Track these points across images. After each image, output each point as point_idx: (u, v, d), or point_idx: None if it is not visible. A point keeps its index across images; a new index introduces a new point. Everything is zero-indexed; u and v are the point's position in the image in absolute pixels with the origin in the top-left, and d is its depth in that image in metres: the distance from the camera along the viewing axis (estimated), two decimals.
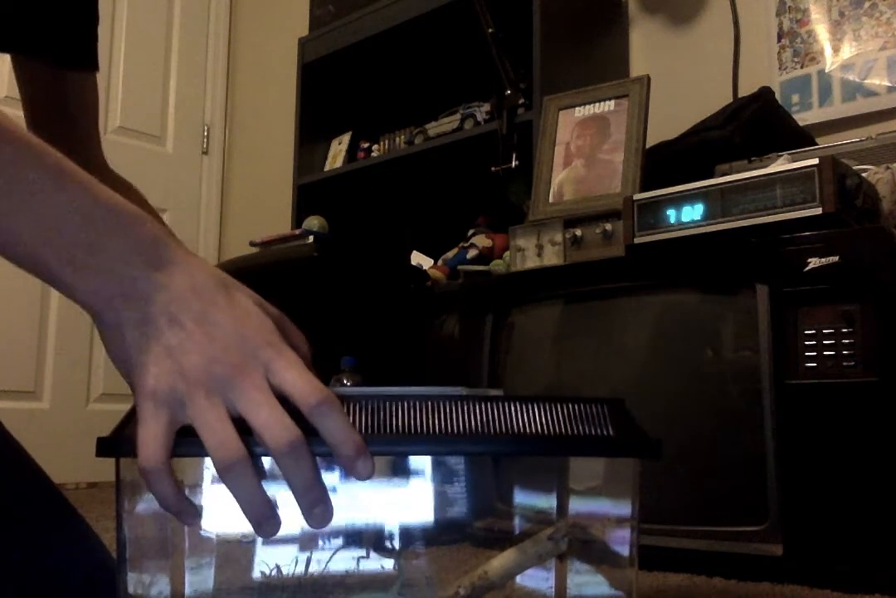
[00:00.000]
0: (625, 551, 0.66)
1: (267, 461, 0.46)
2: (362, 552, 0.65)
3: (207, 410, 0.43)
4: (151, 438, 0.44)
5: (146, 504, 0.52)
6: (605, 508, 0.67)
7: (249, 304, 0.46)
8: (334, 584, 0.63)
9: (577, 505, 0.68)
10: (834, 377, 1.10)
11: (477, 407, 0.55)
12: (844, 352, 1.10)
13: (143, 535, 0.54)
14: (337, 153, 2.62)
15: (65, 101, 0.85)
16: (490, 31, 1.99)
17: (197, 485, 0.54)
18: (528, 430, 0.55)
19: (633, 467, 0.65)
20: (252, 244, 2.18)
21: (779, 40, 1.94)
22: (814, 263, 1.13)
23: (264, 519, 0.45)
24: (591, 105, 1.63)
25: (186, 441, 0.47)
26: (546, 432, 0.56)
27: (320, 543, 0.64)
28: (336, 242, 2.09)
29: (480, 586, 0.62)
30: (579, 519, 0.69)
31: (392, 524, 0.67)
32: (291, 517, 0.52)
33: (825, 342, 1.12)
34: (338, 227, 2.42)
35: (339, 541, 0.64)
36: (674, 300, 1.30)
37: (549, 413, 0.57)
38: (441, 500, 0.67)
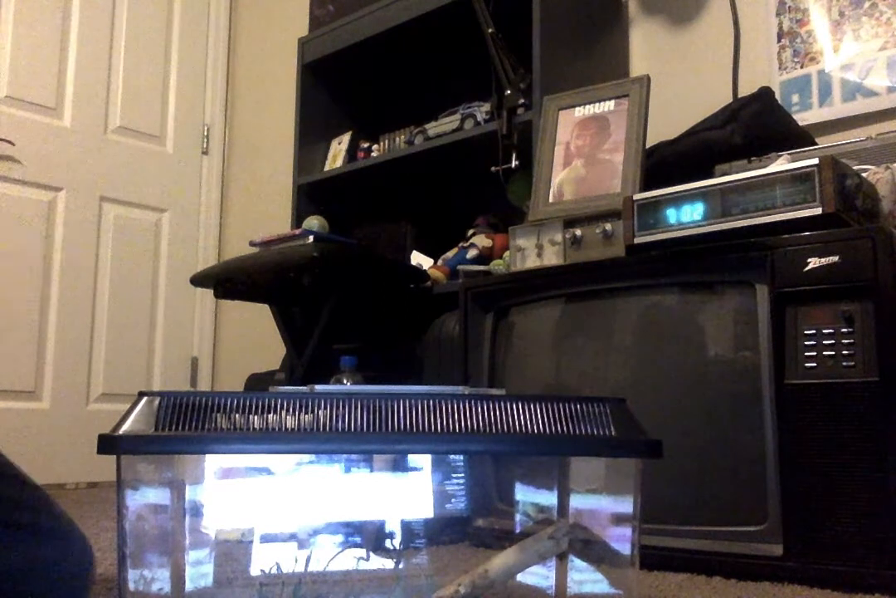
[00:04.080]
0: (625, 550, 0.66)
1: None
2: (363, 553, 0.65)
3: None
4: None
5: (147, 502, 0.52)
6: (607, 507, 0.67)
7: None
8: (335, 582, 0.63)
9: (578, 504, 0.69)
10: (834, 377, 1.10)
11: (479, 406, 0.55)
12: (844, 352, 1.10)
13: (144, 532, 0.54)
14: (337, 153, 2.62)
15: None
16: (490, 31, 1.99)
17: (197, 483, 0.54)
18: (529, 429, 0.56)
19: (635, 466, 0.65)
20: (252, 244, 2.18)
21: (779, 40, 1.95)
22: (814, 263, 1.13)
23: None
24: (591, 105, 1.63)
25: (186, 439, 0.47)
26: (548, 431, 0.56)
27: (320, 542, 0.64)
28: (336, 242, 2.09)
29: (481, 584, 0.62)
30: (580, 518, 0.69)
31: (392, 524, 0.67)
32: (291, 517, 0.52)
33: (825, 342, 1.12)
34: (338, 227, 2.42)
35: (339, 538, 0.64)
36: (673, 300, 1.30)
37: (551, 413, 0.57)
38: (442, 498, 0.67)
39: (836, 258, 1.11)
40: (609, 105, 1.61)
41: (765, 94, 1.67)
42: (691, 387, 1.25)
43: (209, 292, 2.38)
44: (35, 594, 0.66)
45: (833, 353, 1.11)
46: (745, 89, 1.87)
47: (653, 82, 1.60)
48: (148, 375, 3.10)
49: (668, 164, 1.65)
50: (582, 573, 0.68)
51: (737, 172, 1.30)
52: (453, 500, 0.67)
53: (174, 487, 0.59)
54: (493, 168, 1.97)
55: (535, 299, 1.48)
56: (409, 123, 2.47)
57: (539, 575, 0.68)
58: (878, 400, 1.06)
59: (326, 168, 2.62)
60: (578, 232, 1.50)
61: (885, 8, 1.79)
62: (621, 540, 0.66)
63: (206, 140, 3.34)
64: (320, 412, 0.58)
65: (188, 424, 0.55)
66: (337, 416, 0.57)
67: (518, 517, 0.72)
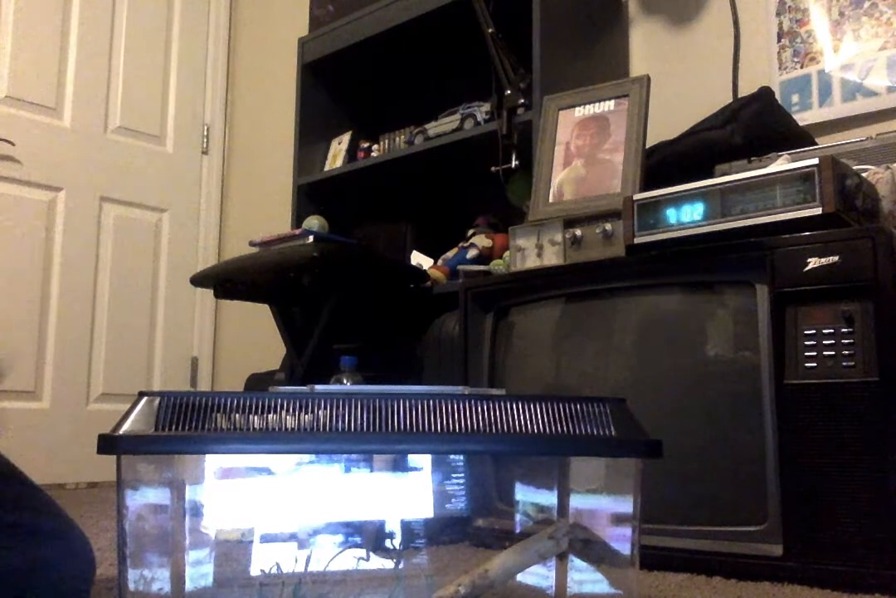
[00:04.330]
0: (625, 550, 0.66)
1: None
2: (363, 553, 0.65)
3: None
4: None
5: (147, 502, 0.52)
6: (607, 507, 0.67)
7: None
8: (335, 582, 0.63)
9: (578, 504, 0.69)
10: (834, 377, 1.10)
11: (479, 406, 0.55)
12: (844, 352, 1.10)
13: (144, 532, 0.54)
14: (337, 153, 2.62)
15: None
16: (490, 31, 1.99)
17: (197, 483, 0.54)
18: (529, 429, 0.56)
19: (635, 466, 0.65)
20: (252, 244, 2.18)
21: (779, 40, 1.95)
22: (814, 263, 1.13)
23: None
24: (591, 105, 1.63)
25: (186, 439, 0.47)
26: (548, 431, 0.56)
27: (320, 542, 0.64)
28: (336, 242, 2.09)
29: (481, 584, 0.62)
30: (580, 518, 0.69)
31: (392, 524, 0.67)
32: (291, 517, 0.52)
33: (825, 342, 1.12)
34: (338, 227, 2.42)
35: (339, 538, 0.64)
36: (673, 300, 1.30)
37: (551, 413, 0.57)
38: (442, 498, 0.67)
39: (836, 258, 1.11)
40: (609, 105, 1.61)
41: (765, 94, 1.67)
42: (691, 387, 1.25)
43: (209, 292, 2.38)
44: (36, 595, 0.66)
45: (833, 353, 1.11)
46: (745, 89, 1.87)
47: (653, 82, 1.59)
48: (148, 375, 3.10)
49: (668, 164, 1.65)
50: (582, 573, 0.68)
51: (737, 172, 1.30)
52: (453, 500, 0.67)
53: (174, 487, 0.59)
54: (493, 168, 1.96)
55: (535, 298, 1.48)
56: (409, 123, 2.47)
57: (539, 575, 0.68)
58: (878, 400, 1.06)
59: (326, 168, 2.62)
60: (578, 232, 1.50)
61: (885, 8, 1.79)
62: (621, 540, 0.66)
63: (206, 140, 3.34)
64: (320, 412, 0.58)
65: (188, 424, 0.55)
66: (337, 416, 0.57)
67: (518, 517, 0.72)
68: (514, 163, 1.93)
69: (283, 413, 0.59)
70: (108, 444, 0.52)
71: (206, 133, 3.34)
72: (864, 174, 1.26)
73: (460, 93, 2.31)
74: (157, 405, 0.57)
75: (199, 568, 0.57)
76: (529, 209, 1.64)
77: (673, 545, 1.19)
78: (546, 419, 0.57)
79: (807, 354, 1.13)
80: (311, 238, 2.02)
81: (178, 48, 3.29)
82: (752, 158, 1.50)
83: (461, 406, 0.55)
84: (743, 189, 1.24)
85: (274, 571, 0.61)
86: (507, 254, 1.96)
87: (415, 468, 0.65)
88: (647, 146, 1.59)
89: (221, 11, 3.43)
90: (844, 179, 1.17)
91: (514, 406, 0.56)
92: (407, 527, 0.66)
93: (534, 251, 1.55)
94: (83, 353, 2.91)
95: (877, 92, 1.78)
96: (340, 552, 0.63)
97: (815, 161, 1.17)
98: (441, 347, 1.88)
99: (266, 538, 0.62)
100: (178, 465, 0.55)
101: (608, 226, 1.46)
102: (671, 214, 1.31)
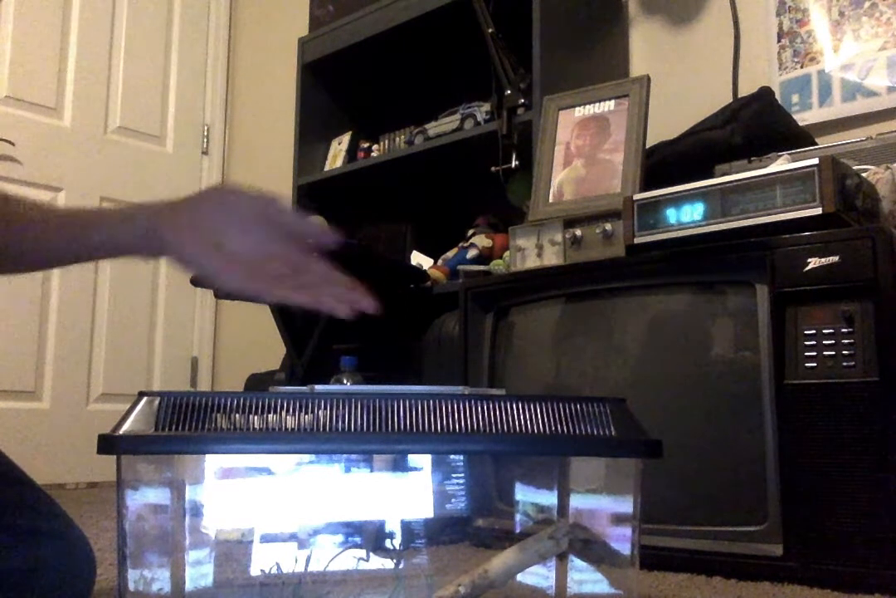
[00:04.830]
0: (625, 550, 0.66)
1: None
2: (363, 553, 0.65)
3: None
4: None
5: (147, 502, 0.52)
6: (607, 507, 0.67)
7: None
8: (335, 582, 0.63)
9: (578, 504, 0.69)
10: (834, 377, 1.10)
11: (479, 406, 0.55)
12: (844, 352, 1.10)
13: (144, 532, 0.54)
14: (337, 153, 2.62)
15: None
16: (490, 31, 1.99)
17: (197, 483, 0.54)
18: (529, 429, 0.56)
19: (635, 466, 0.65)
20: None
21: (779, 40, 1.95)
22: (814, 263, 1.13)
23: None
24: (591, 105, 1.63)
25: (186, 439, 0.47)
26: (548, 431, 0.56)
27: (320, 542, 0.64)
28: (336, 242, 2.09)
29: (481, 584, 0.62)
30: (580, 518, 0.69)
31: (392, 524, 0.67)
32: (291, 517, 0.52)
33: (825, 342, 1.12)
34: (338, 227, 2.41)
35: (339, 538, 0.64)
36: (674, 300, 1.30)
37: (551, 413, 0.57)
38: (442, 498, 0.67)
39: (836, 258, 1.11)
40: (609, 105, 1.61)
41: (765, 94, 1.67)
42: (691, 387, 1.25)
43: (209, 292, 2.38)
44: (36, 595, 0.66)
45: (833, 353, 1.11)
46: (745, 89, 1.86)
47: (653, 82, 1.59)
48: (148, 375, 3.10)
49: (668, 164, 1.65)
50: (582, 573, 0.68)
51: (737, 172, 1.30)
52: (453, 500, 0.67)
53: (174, 487, 0.59)
54: (493, 168, 1.96)
55: (535, 298, 1.48)
56: (409, 123, 2.47)
57: (539, 575, 0.68)
58: (878, 400, 1.06)
59: (326, 168, 2.62)
60: (578, 232, 1.50)
61: (885, 8, 1.79)
62: (621, 540, 0.66)
63: (206, 140, 3.34)
64: (320, 412, 0.58)
65: (188, 424, 0.56)
66: (337, 416, 0.58)
67: (518, 517, 0.72)
68: (514, 163, 1.93)
69: (283, 413, 0.59)
70: (108, 444, 0.52)
71: (206, 133, 3.34)
72: (864, 174, 1.26)
73: (460, 93, 2.31)
74: (157, 405, 0.57)
75: (199, 568, 0.57)
76: (529, 209, 1.64)
77: (673, 545, 1.19)
78: (546, 419, 0.57)
79: (807, 354, 1.13)
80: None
81: (178, 48, 3.29)
82: (752, 158, 1.50)
83: (461, 406, 0.55)
84: (743, 189, 1.24)
85: (274, 571, 0.61)
86: (507, 254, 1.96)
87: (415, 468, 0.65)
88: (647, 146, 1.59)
89: (221, 11, 3.43)
90: (844, 179, 1.17)
91: (514, 406, 0.56)
92: (407, 527, 0.66)
93: (534, 251, 1.55)
94: (83, 353, 2.91)
95: (877, 92, 1.78)
96: (340, 552, 0.64)
97: (815, 161, 1.17)
98: (441, 347, 1.88)
99: (266, 538, 0.62)
100: (178, 465, 0.55)
101: (608, 226, 1.46)
102: (671, 214, 1.31)
